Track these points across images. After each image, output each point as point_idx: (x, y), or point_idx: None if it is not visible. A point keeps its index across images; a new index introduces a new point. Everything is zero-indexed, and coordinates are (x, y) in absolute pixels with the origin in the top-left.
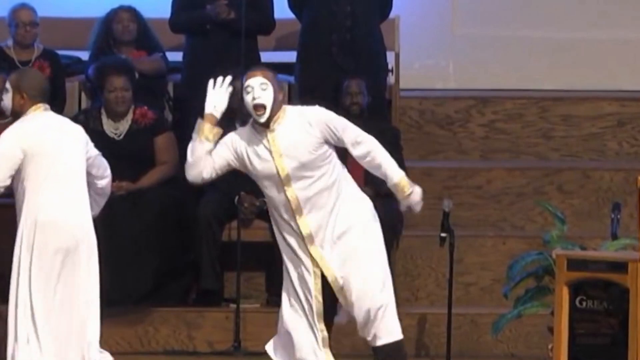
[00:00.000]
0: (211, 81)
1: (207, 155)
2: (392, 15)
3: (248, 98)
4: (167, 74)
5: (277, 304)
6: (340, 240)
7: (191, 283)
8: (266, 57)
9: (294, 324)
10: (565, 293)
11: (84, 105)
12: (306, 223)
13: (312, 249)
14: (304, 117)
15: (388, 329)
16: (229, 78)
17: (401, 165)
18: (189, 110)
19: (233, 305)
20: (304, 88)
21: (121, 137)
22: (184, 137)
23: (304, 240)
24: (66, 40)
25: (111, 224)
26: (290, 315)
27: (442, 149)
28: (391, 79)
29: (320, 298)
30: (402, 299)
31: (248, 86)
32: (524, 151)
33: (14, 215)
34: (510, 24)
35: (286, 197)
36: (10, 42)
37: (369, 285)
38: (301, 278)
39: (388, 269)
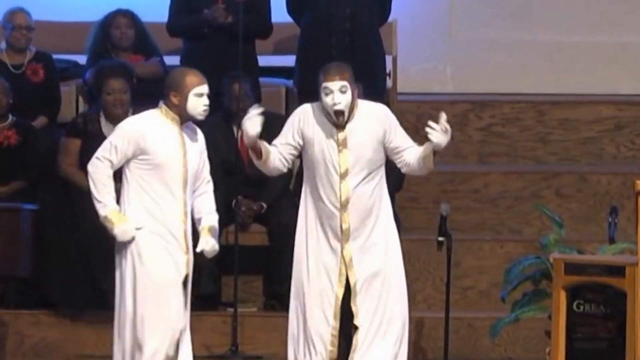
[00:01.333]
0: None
1: (273, 157)
2: (390, 19)
3: (328, 100)
4: (164, 78)
5: (275, 307)
6: (370, 252)
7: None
8: (264, 61)
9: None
10: (562, 297)
11: (81, 109)
12: (348, 219)
13: (345, 247)
14: (373, 114)
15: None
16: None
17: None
18: None
19: (230, 309)
20: (303, 92)
21: None
22: None
23: (342, 236)
24: (63, 44)
25: None
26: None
27: (440, 153)
28: (389, 82)
29: (340, 294)
30: None
31: (327, 88)
32: (521, 155)
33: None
34: (508, 28)
35: (340, 189)
36: (2, 45)
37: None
38: (322, 273)
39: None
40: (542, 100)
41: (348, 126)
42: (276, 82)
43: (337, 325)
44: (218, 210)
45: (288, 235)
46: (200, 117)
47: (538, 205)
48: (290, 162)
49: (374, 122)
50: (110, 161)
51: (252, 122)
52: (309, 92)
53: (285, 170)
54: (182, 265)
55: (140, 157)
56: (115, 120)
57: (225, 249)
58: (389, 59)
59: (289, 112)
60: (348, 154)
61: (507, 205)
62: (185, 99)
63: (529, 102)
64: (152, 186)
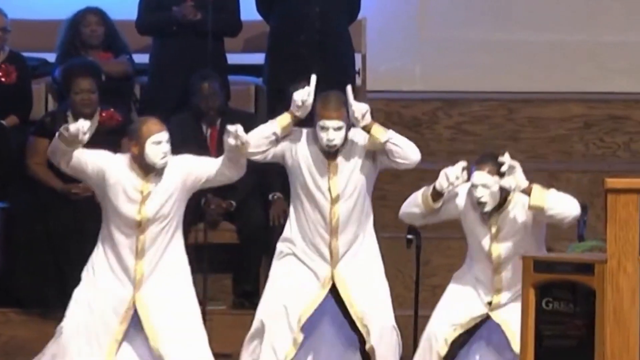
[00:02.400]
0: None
1: (268, 140)
2: (359, 17)
3: (322, 135)
4: (133, 76)
5: (244, 306)
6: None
7: None
8: (233, 59)
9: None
10: (531, 295)
11: (50, 107)
12: (337, 244)
13: (335, 269)
14: (361, 140)
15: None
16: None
17: None
18: (156, 112)
19: (200, 307)
20: (272, 90)
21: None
22: None
23: (332, 260)
24: (33, 42)
25: (78, 225)
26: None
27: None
28: (358, 80)
29: (311, 310)
30: None
31: (324, 126)
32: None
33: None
34: (477, 26)
35: (330, 214)
36: None
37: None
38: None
39: None
40: (511, 99)
41: (338, 158)
42: (245, 80)
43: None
44: (187, 208)
45: (257, 233)
46: (161, 165)
47: None
48: (266, 158)
49: (361, 148)
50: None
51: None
52: (279, 90)
53: (260, 159)
54: (123, 300)
55: (99, 189)
56: (83, 119)
57: (194, 247)
58: (358, 57)
59: (258, 110)
60: (339, 180)
61: None
62: (143, 147)
63: (499, 100)
64: (110, 220)
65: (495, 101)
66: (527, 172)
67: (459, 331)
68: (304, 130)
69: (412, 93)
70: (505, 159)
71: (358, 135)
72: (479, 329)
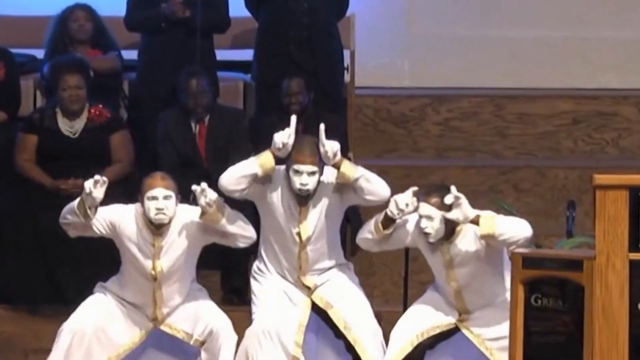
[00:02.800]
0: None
1: (248, 180)
2: (348, 13)
3: (295, 179)
4: (122, 73)
5: (233, 302)
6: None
7: None
8: (222, 55)
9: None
10: (520, 291)
11: (39, 103)
12: (307, 279)
13: (313, 296)
14: (329, 178)
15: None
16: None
17: (344, 154)
18: (144, 108)
19: None
20: (261, 86)
21: (76, 135)
22: (139, 136)
23: (308, 291)
24: (21, 39)
25: None
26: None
27: (397, 147)
28: (346, 77)
29: (303, 327)
30: None
31: (298, 170)
32: (479, 149)
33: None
34: (466, 23)
35: (299, 256)
36: None
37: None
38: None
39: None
40: (499, 95)
41: (309, 202)
42: (234, 76)
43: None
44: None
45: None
46: (157, 221)
47: (496, 200)
48: (242, 196)
49: (332, 189)
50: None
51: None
52: (267, 86)
53: (237, 196)
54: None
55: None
56: (71, 116)
57: None
58: (346, 54)
59: (247, 106)
60: (309, 223)
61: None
62: (143, 203)
63: (487, 97)
64: (126, 269)
65: (484, 97)
66: (515, 168)
67: (424, 337)
68: (279, 171)
69: (401, 89)
70: (452, 191)
71: (326, 174)
72: (447, 340)
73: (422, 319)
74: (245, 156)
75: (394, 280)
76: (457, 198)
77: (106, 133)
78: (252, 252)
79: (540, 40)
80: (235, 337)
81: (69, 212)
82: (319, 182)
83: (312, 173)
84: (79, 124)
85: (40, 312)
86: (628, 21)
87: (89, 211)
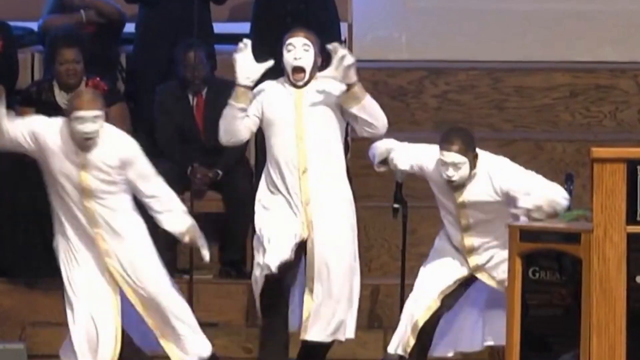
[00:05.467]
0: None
1: (242, 119)
2: None
3: (289, 56)
4: (121, 28)
5: (230, 275)
6: (328, 219)
7: None
8: (219, 28)
9: None
10: (518, 264)
11: (36, 76)
12: (307, 185)
13: (307, 209)
14: (333, 86)
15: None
16: (247, 42)
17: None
18: (142, 81)
19: (186, 277)
20: (258, 59)
21: None
22: (136, 108)
23: (301, 202)
24: (18, 11)
25: None
26: None
27: (395, 120)
28: None
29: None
30: None
31: (290, 44)
32: (476, 122)
33: None
34: None
35: (297, 150)
36: None
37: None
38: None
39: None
40: (497, 68)
41: (305, 91)
42: (232, 49)
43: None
44: (173, 177)
45: (243, 202)
46: (83, 145)
47: None
48: (252, 131)
49: (331, 93)
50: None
51: (252, 66)
52: (264, 59)
53: (245, 138)
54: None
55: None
56: (68, 90)
57: None
58: (344, 27)
59: None
60: (305, 118)
61: None
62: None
63: (484, 70)
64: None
65: (481, 70)
66: (513, 141)
67: (445, 294)
68: (263, 84)
69: (398, 62)
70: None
71: (326, 83)
72: (467, 290)
73: (441, 275)
74: None
75: (391, 253)
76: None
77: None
78: (250, 224)
79: (538, 14)
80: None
81: None
82: (314, 64)
83: (306, 47)
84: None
85: (37, 286)
86: None
87: None
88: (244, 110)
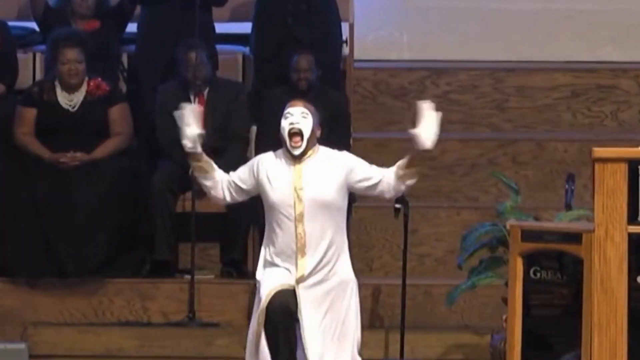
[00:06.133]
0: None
1: (220, 182)
2: None
3: (285, 123)
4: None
5: (232, 275)
6: (326, 301)
7: (145, 254)
8: (220, 28)
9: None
10: (519, 264)
11: (38, 76)
12: (304, 265)
13: (300, 287)
14: (334, 159)
15: None
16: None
17: (347, 133)
18: (143, 81)
19: (187, 277)
20: (259, 59)
21: (75, 108)
22: (138, 109)
23: (295, 280)
24: (20, 12)
25: (65, 195)
26: None
27: (397, 120)
28: (345, 50)
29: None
30: (356, 270)
31: (288, 113)
32: (478, 122)
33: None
34: None
35: (295, 232)
36: None
37: None
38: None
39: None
40: (498, 68)
41: (304, 164)
42: (233, 49)
43: None
44: (174, 177)
45: (244, 202)
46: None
47: (495, 173)
48: (234, 198)
49: (333, 165)
50: None
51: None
52: (265, 59)
53: (230, 202)
54: None
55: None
56: (70, 89)
57: (181, 216)
58: (345, 26)
59: (246, 79)
60: (305, 194)
61: (464, 172)
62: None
63: (486, 70)
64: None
65: (482, 70)
66: (514, 141)
67: None
68: (273, 152)
69: (400, 62)
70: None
71: (329, 156)
72: None
73: None
74: (244, 129)
75: (392, 253)
76: None
77: (105, 106)
78: (251, 224)
79: (540, 13)
80: None
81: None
82: (312, 132)
83: (304, 114)
84: (78, 97)
85: (38, 286)
86: None
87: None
88: (210, 179)
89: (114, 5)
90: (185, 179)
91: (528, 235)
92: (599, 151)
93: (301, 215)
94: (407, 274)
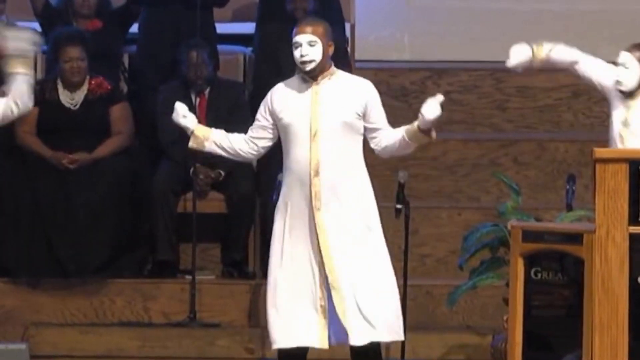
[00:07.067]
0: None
1: (237, 148)
2: None
3: (296, 53)
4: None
5: (233, 275)
6: (348, 223)
7: (146, 254)
8: (222, 28)
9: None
10: (520, 264)
11: (39, 76)
12: (318, 184)
13: (317, 215)
14: (354, 82)
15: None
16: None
17: None
18: (144, 81)
19: (188, 277)
20: (262, 59)
21: (77, 107)
22: (139, 108)
23: (312, 204)
24: (22, 11)
25: (67, 195)
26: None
27: (398, 121)
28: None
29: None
30: None
31: (296, 42)
32: (479, 122)
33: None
34: None
35: (310, 152)
36: None
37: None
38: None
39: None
40: (499, 68)
41: (321, 85)
42: (234, 49)
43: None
44: (175, 177)
45: (246, 203)
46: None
47: (496, 173)
48: (256, 142)
49: (353, 88)
50: None
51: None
52: (268, 59)
53: (257, 156)
54: None
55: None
56: (72, 88)
57: (182, 216)
58: (346, 27)
59: (247, 79)
60: (321, 114)
61: (465, 172)
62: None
63: (487, 70)
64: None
65: (484, 71)
66: (515, 142)
67: None
68: (285, 81)
69: (401, 63)
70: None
71: (351, 81)
72: None
73: None
74: (246, 129)
75: (393, 254)
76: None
77: (106, 105)
78: (252, 224)
79: (540, 14)
80: None
81: None
82: (323, 56)
83: (312, 42)
84: (80, 95)
85: (40, 286)
86: None
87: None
88: (226, 151)
89: (119, 6)
90: (187, 179)
91: (529, 235)
92: (600, 152)
93: (316, 135)
94: (408, 274)
